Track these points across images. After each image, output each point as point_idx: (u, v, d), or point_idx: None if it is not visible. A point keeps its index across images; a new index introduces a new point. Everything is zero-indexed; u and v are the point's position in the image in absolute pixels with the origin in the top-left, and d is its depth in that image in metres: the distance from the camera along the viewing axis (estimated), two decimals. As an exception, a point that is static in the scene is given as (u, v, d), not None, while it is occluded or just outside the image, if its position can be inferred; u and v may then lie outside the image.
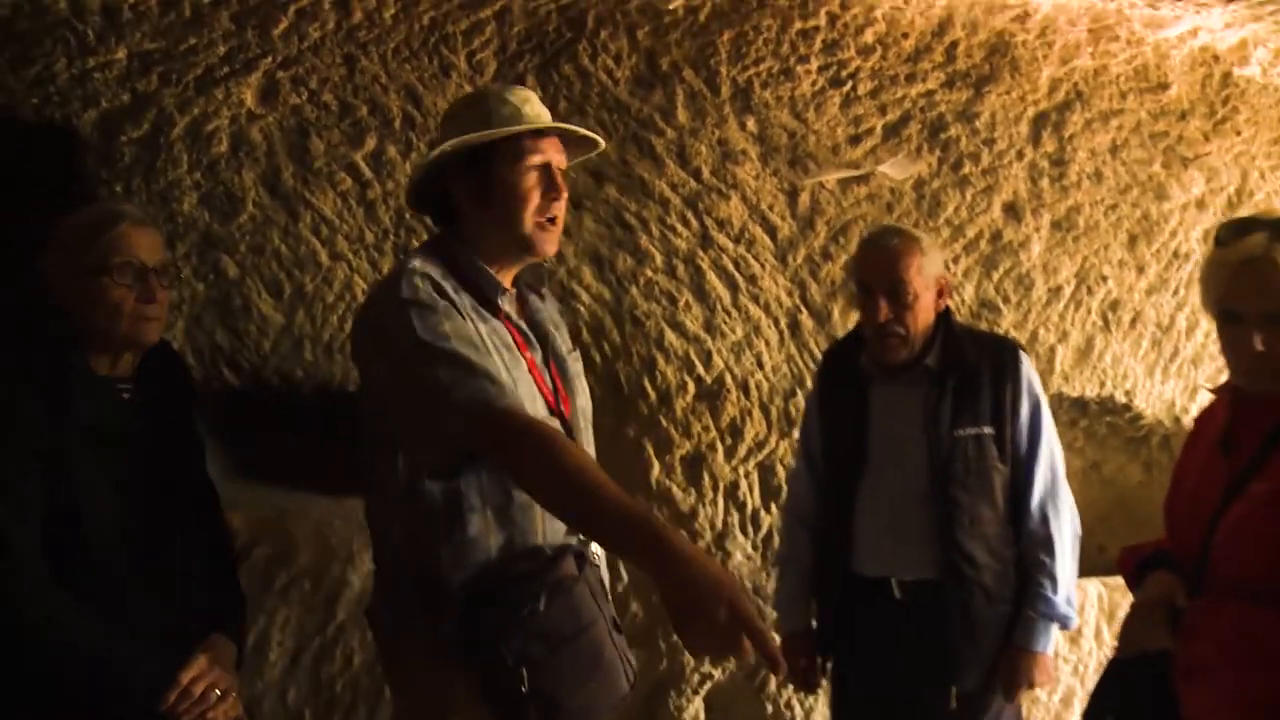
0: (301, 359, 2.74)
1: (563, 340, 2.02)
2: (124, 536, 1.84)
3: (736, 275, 3.15)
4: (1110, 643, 3.43)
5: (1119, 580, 3.40)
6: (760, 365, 3.15)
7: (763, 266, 3.18)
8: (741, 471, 3.12)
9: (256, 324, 2.68)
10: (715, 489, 3.08)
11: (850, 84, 3.23)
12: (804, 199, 3.23)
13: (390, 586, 1.88)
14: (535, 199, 1.86)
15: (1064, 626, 2.46)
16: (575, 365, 2.02)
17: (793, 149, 3.21)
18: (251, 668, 2.62)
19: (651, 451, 3.01)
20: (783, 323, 3.20)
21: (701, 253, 3.12)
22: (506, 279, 1.92)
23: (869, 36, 3.17)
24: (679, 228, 3.10)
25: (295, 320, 2.72)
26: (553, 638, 1.72)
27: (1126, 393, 3.61)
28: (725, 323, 3.13)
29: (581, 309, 2.96)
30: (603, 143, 2.04)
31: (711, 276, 3.12)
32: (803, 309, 3.23)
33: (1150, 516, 3.80)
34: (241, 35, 2.67)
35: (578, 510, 1.63)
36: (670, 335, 3.05)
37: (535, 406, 1.80)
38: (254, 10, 2.68)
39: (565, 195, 1.91)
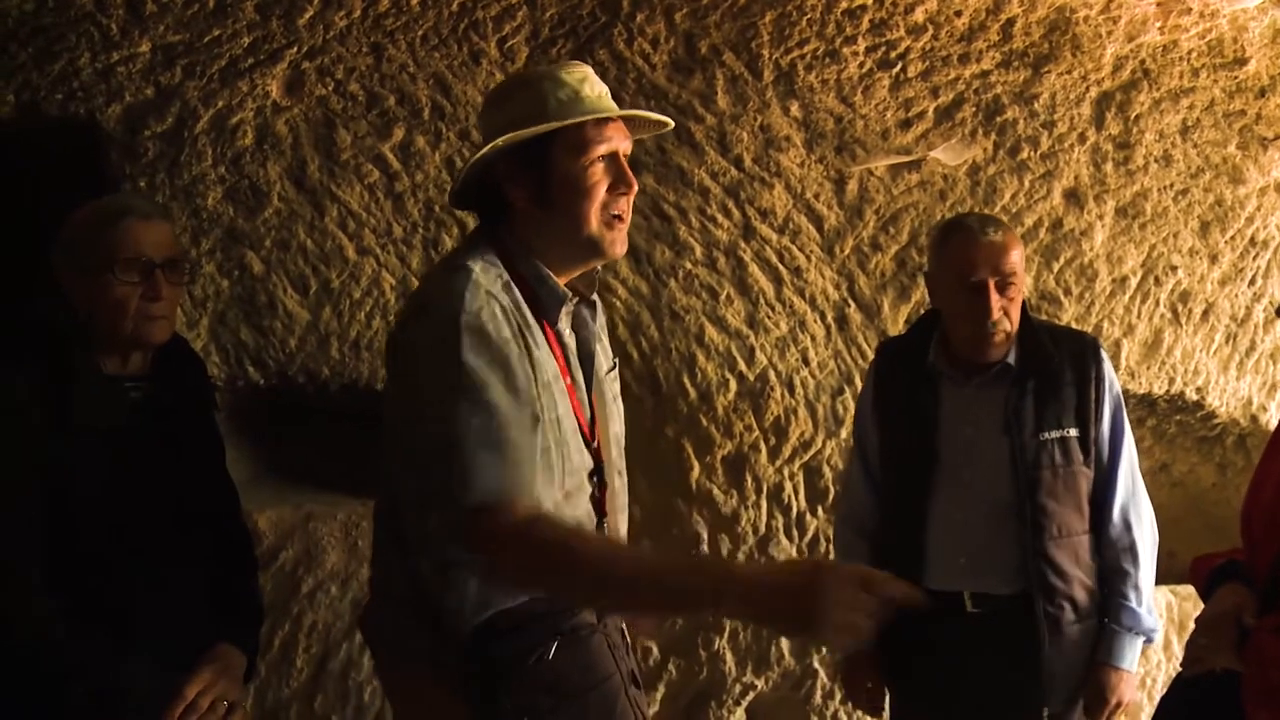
0: (328, 356, 2.68)
1: (604, 358, 1.83)
2: (128, 542, 1.80)
3: (780, 267, 3.04)
4: (1180, 656, 3.25)
5: (1190, 589, 3.25)
6: (806, 362, 3.04)
7: (808, 258, 3.07)
8: (786, 473, 3.01)
9: (282, 321, 2.63)
10: (758, 491, 2.98)
11: (900, 65, 3.09)
12: (851, 187, 3.11)
13: (389, 598, 1.74)
14: (601, 194, 1.65)
15: (1148, 640, 2.33)
16: (614, 386, 1.85)
17: (839, 134, 3.08)
18: (277, 674, 2.57)
19: (691, 452, 2.92)
20: (829, 317, 3.08)
21: (743, 244, 3.01)
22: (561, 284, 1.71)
23: (919, 15, 3.03)
24: (720, 218, 2.99)
25: (321, 317, 2.67)
26: (561, 690, 1.60)
27: (1198, 390, 3.44)
28: (769, 317, 3.02)
29: (618, 304, 2.87)
30: (671, 123, 1.80)
31: (754, 269, 3.01)
32: (850, 302, 3.10)
33: (1224, 520, 3.65)
34: (266, 25, 2.61)
35: (624, 597, 1.52)
36: (711, 330, 2.95)
37: (578, 441, 1.66)
38: (278, -1, 2.63)
39: (635, 188, 1.69)
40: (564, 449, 1.62)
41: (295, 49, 2.65)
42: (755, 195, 3.01)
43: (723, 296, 2.97)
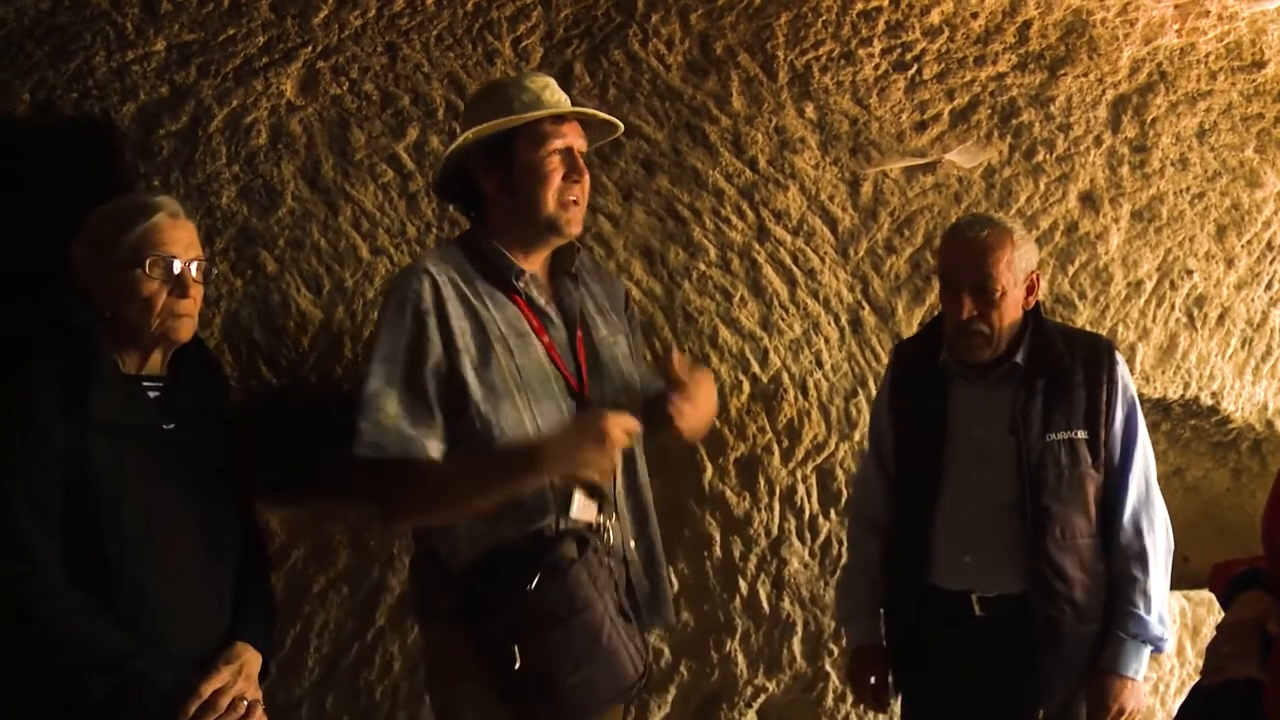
0: (341, 356, 2.67)
1: (606, 324, 2.08)
2: (147, 540, 1.80)
3: (795, 269, 3.02)
4: (1194, 662, 3.24)
5: (1204, 594, 3.24)
6: (819, 364, 3.03)
7: (822, 260, 3.05)
8: (799, 475, 3.00)
9: (295, 320, 2.62)
10: (771, 493, 2.97)
11: (915, 67, 3.07)
12: (866, 189, 3.09)
13: (415, 559, 2.03)
14: (557, 181, 1.94)
15: (1156, 649, 2.29)
16: (616, 349, 2.06)
17: (854, 136, 3.07)
18: (288, 673, 2.57)
19: (704, 454, 2.91)
20: (843, 319, 3.07)
21: (758, 246, 2.99)
22: (534, 262, 2.00)
23: (935, 17, 3.01)
24: (734, 220, 2.98)
25: (335, 316, 2.66)
26: (545, 617, 1.81)
27: (1213, 394, 3.42)
28: (782, 319, 3.00)
29: (631, 305, 2.86)
30: (621, 126, 2.09)
31: (768, 271, 3.00)
32: (864, 305, 3.09)
33: (1238, 526, 3.63)
34: (281, 24, 2.60)
35: (458, 500, 1.84)
36: (724, 332, 2.94)
37: (550, 388, 1.93)
38: (294, -2, 2.63)
39: (587, 177, 1.98)
40: (527, 393, 1.89)
41: (310, 48, 2.64)
42: (770, 197, 3.00)
43: (736, 298, 2.96)
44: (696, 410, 1.96)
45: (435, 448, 1.84)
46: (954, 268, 2.30)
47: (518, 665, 1.80)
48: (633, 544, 2.03)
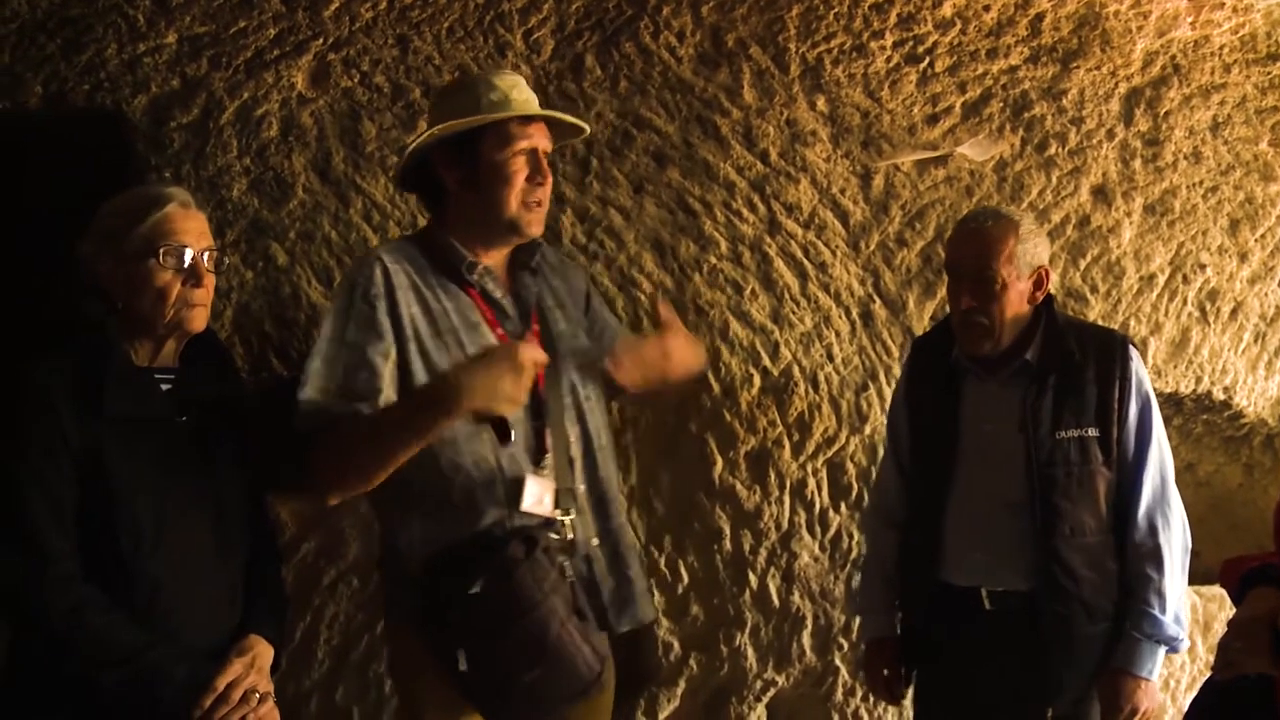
0: (352, 349, 2.67)
1: (566, 318, 2.09)
2: (161, 532, 1.80)
3: (806, 263, 3.01)
4: (1205, 658, 3.23)
5: (1215, 590, 3.23)
6: (830, 357, 3.02)
7: (833, 253, 3.04)
8: (809, 469, 2.99)
9: (306, 313, 2.62)
10: (781, 487, 2.96)
11: (927, 60, 3.06)
12: (878, 182, 3.08)
13: (381, 557, 2.07)
14: (520, 182, 1.95)
15: (1172, 649, 2.27)
16: (577, 342, 2.08)
17: (866, 129, 3.06)
18: (298, 666, 2.57)
19: (715, 447, 2.90)
20: (854, 313, 3.06)
21: (769, 239, 2.98)
22: (492, 257, 2.01)
23: (947, 10, 3.00)
24: (745, 212, 2.97)
25: (346, 309, 2.65)
26: (490, 620, 1.81)
27: (1225, 389, 3.40)
28: (793, 312, 2.99)
29: (643, 297, 2.86)
30: (587, 128, 2.11)
31: (779, 264, 2.99)
32: (876, 298, 3.08)
33: (1250, 521, 3.61)
34: (292, 17, 2.60)
35: (379, 450, 1.83)
36: (735, 325, 2.93)
37: None
38: (305, -10, 2.62)
39: (550, 180, 1.99)
40: None
41: (321, 41, 2.64)
42: (781, 190, 2.99)
43: (747, 291, 2.95)
44: (644, 364, 2.00)
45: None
46: (956, 258, 2.31)
47: (463, 667, 1.82)
48: (595, 541, 2.02)
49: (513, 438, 1.87)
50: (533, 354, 1.81)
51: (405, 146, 2.08)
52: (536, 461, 1.96)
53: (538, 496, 1.93)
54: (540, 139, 1.98)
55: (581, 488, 2.02)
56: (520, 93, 1.98)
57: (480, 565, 1.83)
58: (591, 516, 2.03)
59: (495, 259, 2.03)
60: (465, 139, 1.94)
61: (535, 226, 2.00)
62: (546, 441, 1.97)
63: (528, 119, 1.97)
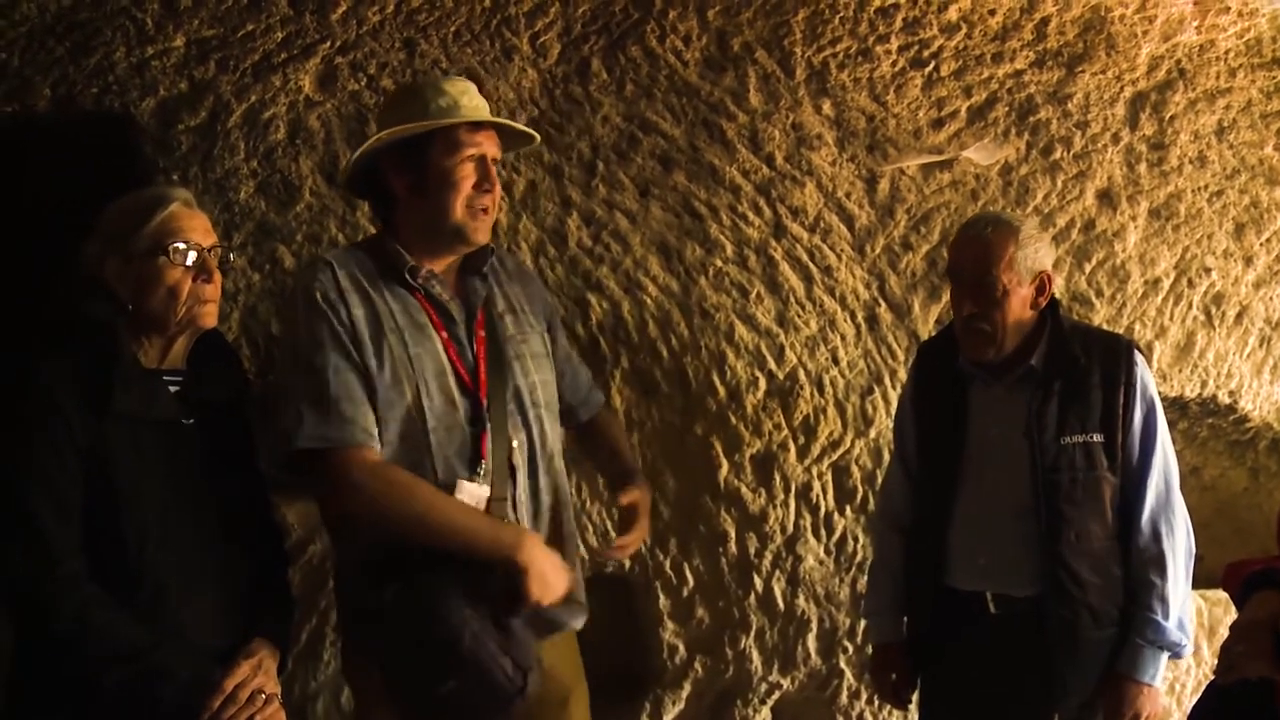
0: (359, 352, 2.67)
1: (516, 323, 2.07)
2: (167, 534, 1.80)
3: (811, 266, 3.02)
4: (1209, 662, 3.22)
5: (1219, 594, 3.22)
6: (835, 361, 3.02)
7: (839, 257, 3.05)
8: (815, 472, 2.99)
9: (313, 316, 2.62)
10: (787, 490, 2.96)
11: (933, 64, 3.07)
12: (883, 186, 3.09)
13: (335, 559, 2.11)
14: (468, 189, 1.93)
15: (1175, 655, 2.27)
16: (525, 347, 2.05)
17: (871, 133, 3.06)
18: (304, 667, 2.57)
19: (720, 450, 2.90)
20: (859, 316, 3.06)
21: (774, 243, 2.99)
22: (439, 264, 1.99)
23: (953, 14, 3.00)
24: (751, 216, 2.98)
25: (352, 312, 2.66)
26: (403, 630, 1.82)
27: (1230, 393, 3.40)
28: (799, 316, 3.00)
29: (648, 301, 2.86)
30: (538, 137, 2.12)
31: (785, 267, 2.99)
32: (881, 302, 3.08)
33: (1255, 525, 3.61)
34: (299, 20, 2.61)
35: (424, 530, 1.84)
36: (741, 329, 2.93)
37: (445, 381, 1.92)
38: (312, -6, 2.63)
39: (498, 187, 1.98)
40: (420, 383, 1.90)
41: (328, 44, 2.65)
42: (786, 193, 2.99)
43: (753, 295, 2.95)
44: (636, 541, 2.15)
45: (372, 432, 1.88)
46: (957, 265, 2.31)
47: (378, 676, 1.87)
48: None
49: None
50: (559, 585, 1.89)
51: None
52: (472, 469, 1.94)
53: (469, 497, 1.92)
54: (489, 146, 1.97)
55: (523, 496, 2.00)
56: (470, 99, 1.97)
57: (391, 574, 1.83)
58: (532, 524, 2.00)
59: (442, 265, 2.01)
60: (414, 145, 1.93)
61: (482, 234, 1.98)
62: (485, 448, 1.95)
63: (476, 125, 1.96)
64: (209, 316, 1.89)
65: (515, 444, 1.99)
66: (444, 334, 1.96)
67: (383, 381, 1.89)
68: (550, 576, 1.87)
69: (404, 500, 1.85)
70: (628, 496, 2.14)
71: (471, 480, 1.92)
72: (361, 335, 1.89)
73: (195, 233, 1.86)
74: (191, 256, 1.84)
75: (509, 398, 2.00)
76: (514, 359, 2.02)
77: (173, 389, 1.88)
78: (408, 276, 1.95)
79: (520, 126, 2.08)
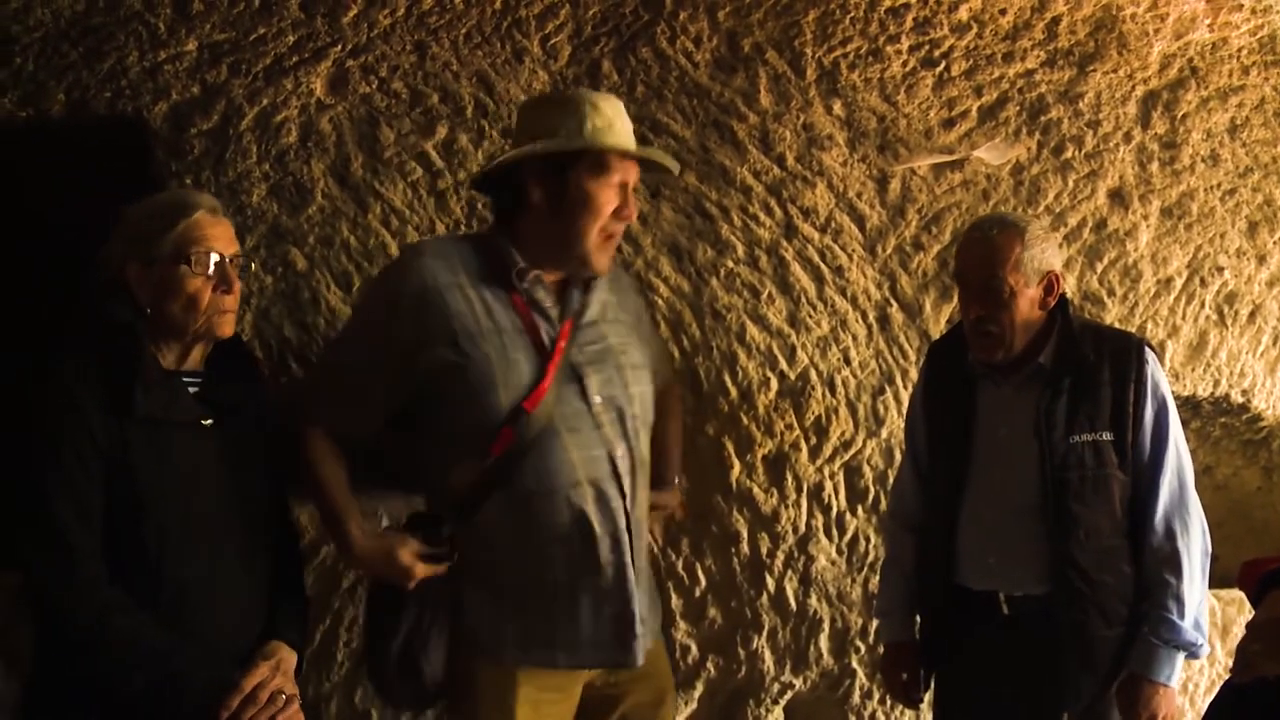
0: (371, 354, 2.68)
1: (613, 333, 2.03)
2: (186, 537, 1.81)
3: (822, 266, 3.02)
4: (1224, 661, 3.21)
5: (1234, 593, 3.21)
6: (847, 361, 3.02)
7: (850, 257, 3.04)
8: (826, 472, 2.99)
9: (325, 317, 2.63)
10: (799, 490, 2.96)
11: (944, 64, 3.06)
12: (894, 186, 3.08)
13: None
14: (607, 215, 1.92)
15: (1191, 655, 2.25)
16: (629, 357, 2.03)
17: (882, 133, 3.06)
18: (318, 668, 2.58)
19: (732, 450, 2.90)
20: (871, 316, 3.06)
21: (785, 243, 2.99)
22: (549, 275, 1.98)
23: (963, 13, 3.00)
24: (762, 217, 2.97)
25: (365, 314, 2.67)
26: (371, 616, 2.02)
27: (1244, 392, 3.38)
28: (810, 316, 2.99)
29: (660, 301, 2.86)
30: (677, 167, 2.09)
31: (796, 268, 2.99)
32: (892, 302, 3.08)
33: (1269, 524, 3.60)
34: (311, 24, 2.62)
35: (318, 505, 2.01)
36: (752, 329, 2.93)
37: (520, 383, 1.89)
38: (323, -3, 2.64)
39: (634, 216, 1.98)
40: (501, 385, 1.90)
41: (339, 47, 2.65)
42: (797, 194, 2.99)
43: (764, 295, 2.95)
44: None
45: (351, 433, 2.01)
46: (964, 267, 2.31)
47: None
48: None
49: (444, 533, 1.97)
50: (411, 566, 1.92)
51: (495, 156, 2.10)
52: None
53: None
54: (632, 173, 1.96)
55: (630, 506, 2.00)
56: (624, 123, 1.96)
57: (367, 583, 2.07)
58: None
59: (552, 276, 1.99)
60: (562, 159, 1.90)
61: (604, 264, 1.97)
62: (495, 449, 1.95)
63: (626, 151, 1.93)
64: (227, 326, 1.89)
65: (619, 453, 1.96)
66: (528, 338, 1.94)
67: (465, 375, 1.90)
68: (378, 569, 1.97)
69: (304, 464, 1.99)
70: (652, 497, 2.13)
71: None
72: (450, 330, 1.89)
73: (218, 241, 1.86)
74: (213, 266, 1.84)
75: (600, 409, 1.96)
76: (613, 368, 2.00)
77: (192, 390, 1.89)
78: (515, 280, 1.94)
79: (670, 162, 2.05)
